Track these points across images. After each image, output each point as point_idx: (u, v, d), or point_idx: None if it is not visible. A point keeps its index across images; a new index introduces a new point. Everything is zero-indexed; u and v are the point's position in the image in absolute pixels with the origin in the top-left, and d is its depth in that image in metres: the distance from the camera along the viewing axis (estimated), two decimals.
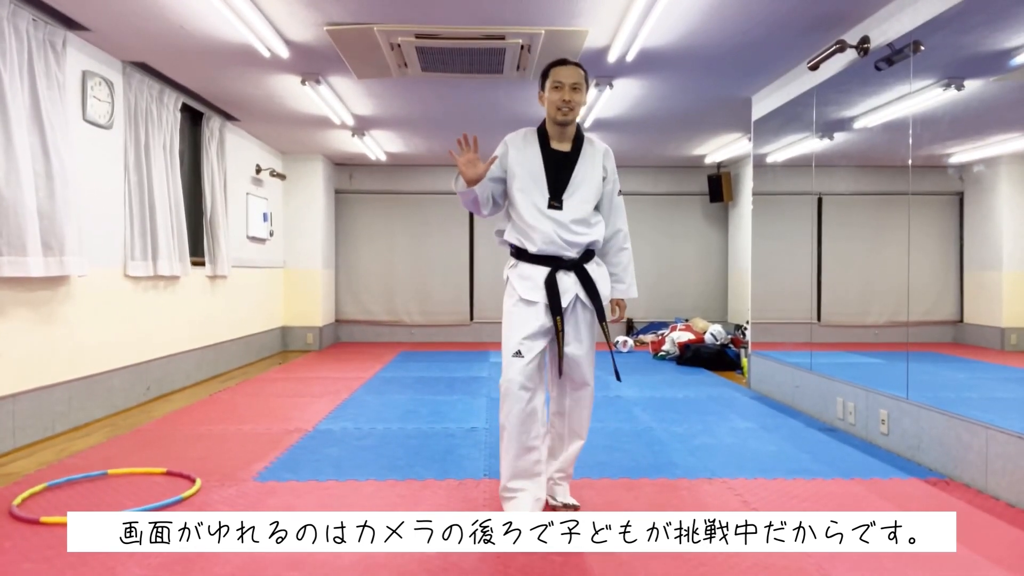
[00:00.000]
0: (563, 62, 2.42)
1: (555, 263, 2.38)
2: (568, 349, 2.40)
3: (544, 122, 2.49)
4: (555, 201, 2.38)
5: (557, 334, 2.35)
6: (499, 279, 9.05)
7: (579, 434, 2.51)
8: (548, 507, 2.47)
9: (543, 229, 2.36)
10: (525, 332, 2.34)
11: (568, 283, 2.38)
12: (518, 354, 2.34)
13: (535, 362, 2.34)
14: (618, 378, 2.55)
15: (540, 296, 2.36)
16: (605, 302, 2.47)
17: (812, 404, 4.15)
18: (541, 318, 2.35)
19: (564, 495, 2.52)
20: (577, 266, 2.41)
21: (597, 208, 2.48)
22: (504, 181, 2.46)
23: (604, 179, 2.47)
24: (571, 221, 2.37)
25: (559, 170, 2.41)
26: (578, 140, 2.47)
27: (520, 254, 2.44)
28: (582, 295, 2.40)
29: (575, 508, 2.48)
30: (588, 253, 2.44)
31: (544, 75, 2.44)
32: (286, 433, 3.66)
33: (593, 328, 2.46)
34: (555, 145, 2.45)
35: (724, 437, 3.61)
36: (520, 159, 2.43)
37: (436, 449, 3.33)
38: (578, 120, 2.50)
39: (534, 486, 2.35)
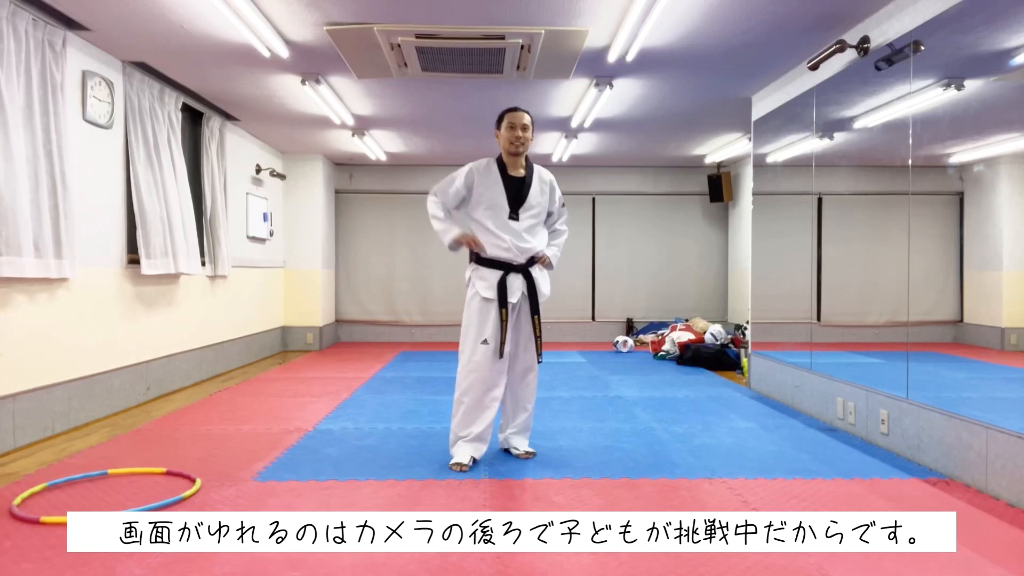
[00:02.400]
0: (515, 109, 3.09)
1: (506, 267, 3.04)
2: (511, 336, 3.06)
3: (500, 155, 3.13)
4: (514, 215, 3.06)
5: (502, 323, 2.99)
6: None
7: (526, 408, 3.19)
8: (512, 454, 3.20)
9: (503, 236, 3.03)
10: (488, 325, 3.01)
11: (516, 284, 3.05)
12: (484, 342, 3.01)
13: (495, 349, 3.01)
14: (539, 359, 3.16)
15: (494, 294, 3.00)
16: (543, 299, 3.12)
17: (812, 404, 4.15)
18: (497, 313, 3.01)
19: (523, 444, 3.21)
20: (524, 270, 3.07)
21: (545, 223, 3.20)
22: (467, 199, 3.14)
23: (552, 202, 3.20)
24: (524, 230, 3.06)
25: (517, 191, 3.07)
26: (528, 168, 3.13)
27: (479, 259, 3.09)
28: (527, 293, 3.07)
29: (532, 455, 3.19)
30: (532, 260, 3.10)
31: (500, 118, 3.10)
32: (286, 433, 3.66)
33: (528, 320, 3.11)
34: (511, 172, 3.10)
35: (724, 437, 3.61)
36: (486, 183, 3.08)
37: (436, 449, 3.33)
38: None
39: (475, 446, 3.06)
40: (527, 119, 3.05)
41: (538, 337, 3.11)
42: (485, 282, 3.03)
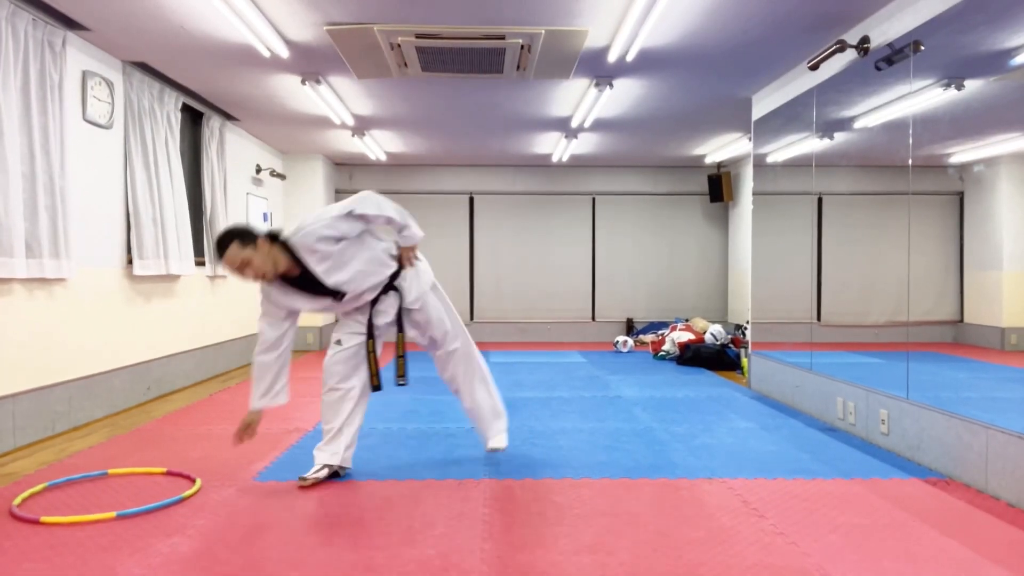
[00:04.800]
0: (222, 250, 2.52)
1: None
2: (417, 334, 2.99)
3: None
4: (333, 298, 2.72)
5: (369, 355, 2.88)
6: (499, 279, 9.03)
7: (466, 396, 3.06)
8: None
9: (348, 308, 2.82)
10: (346, 324, 2.91)
11: (387, 304, 2.87)
12: (338, 342, 2.88)
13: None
14: (399, 381, 2.97)
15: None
16: (415, 305, 2.93)
17: (812, 404, 4.15)
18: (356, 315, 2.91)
19: (494, 439, 3.07)
20: (389, 287, 2.85)
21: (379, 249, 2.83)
22: (290, 312, 2.77)
23: (342, 237, 2.65)
24: (356, 293, 2.75)
25: (309, 284, 2.67)
26: (296, 260, 2.62)
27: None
28: (387, 317, 2.89)
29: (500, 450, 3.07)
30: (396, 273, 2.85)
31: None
32: (286, 433, 3.66)
33: (427, 311, 2.95)
34: (288, 275, 2.65)
35: (724, 437, 3.61)
36: (281, 293, 2.70)
37: (436, 449, 3.33)
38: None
39: (328, 449, 2.85)
40: (234, 263, 2.50)
41: (400, 357, 2.92)
42: (356, 315, 2.89)
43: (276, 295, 2.70)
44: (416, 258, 2.95)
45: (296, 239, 2.60)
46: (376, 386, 2.87)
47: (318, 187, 7.68)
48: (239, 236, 2.52)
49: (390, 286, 2.86)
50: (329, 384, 2.86)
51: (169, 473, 2.91)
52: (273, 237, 2.60)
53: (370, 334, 2.86)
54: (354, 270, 2.71)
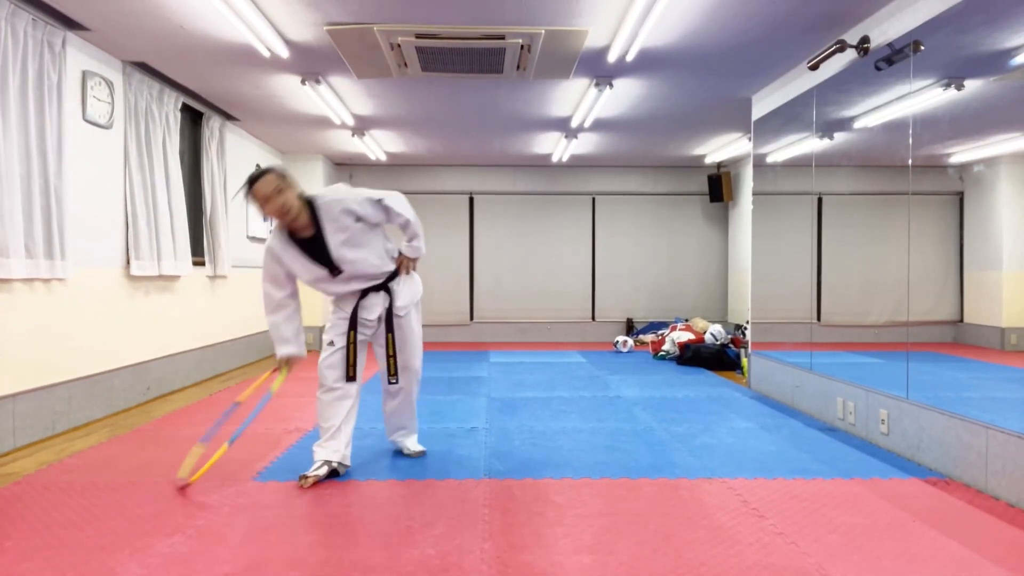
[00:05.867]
0: (255, 179, 2.63)
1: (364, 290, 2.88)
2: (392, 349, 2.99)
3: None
4: (332, 272, 2.76)
5: (349, 347, 2.88)
6: (499, 280, 9.00)
7: (398, 402, 3.14)
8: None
9: (338, 290, 2.86)
10: (340, 328, 2.92)
11: (375, 300, 2.91)
12: (331, 343, 2.90)
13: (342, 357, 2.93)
14: (390, 379, 3.03)
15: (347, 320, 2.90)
16: (402, 312, 2.97)
17: (812, 404, 4.15)
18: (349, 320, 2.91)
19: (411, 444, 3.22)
20: (383, 287, 2.92)
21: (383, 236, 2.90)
22: (289, 275, 2.80)
23: (362, 218, 2.75)
24: (353, 274, 2.80)
25: (317, 251, 2.73)
26: (316, 218, 2.70)
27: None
28: (385, 309, 2.93)
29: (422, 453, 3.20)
30: (393, 274, 2.93)
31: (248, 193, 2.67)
32: (286, 433, 3.66)
33: (405, 327, 2.99)
34: (301, 236, 2.73)
35: (724, 437, 3.61)
36: (288, 256, 2.75)
37: (436, 449, 3.33)
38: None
39: (329, 447, 2.89)
40: (267, 187, 2.59)
41: (391, 356, 2.96)
42: (341, 312, 2.91)
43: (279, 251, 2.74)
44: (414, 268, 3.05)
45: (322, 202, 2.70)
46: (351, 377, 2.89)
47: (318, 187, 7.63)
48: (277, 171, 2.66)
49: (383, 286, 2.93)
50: (327, 384, 2.89)
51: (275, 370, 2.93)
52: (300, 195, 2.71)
53: (352, 325, 2.88)
54: (361, 253, 2.79)
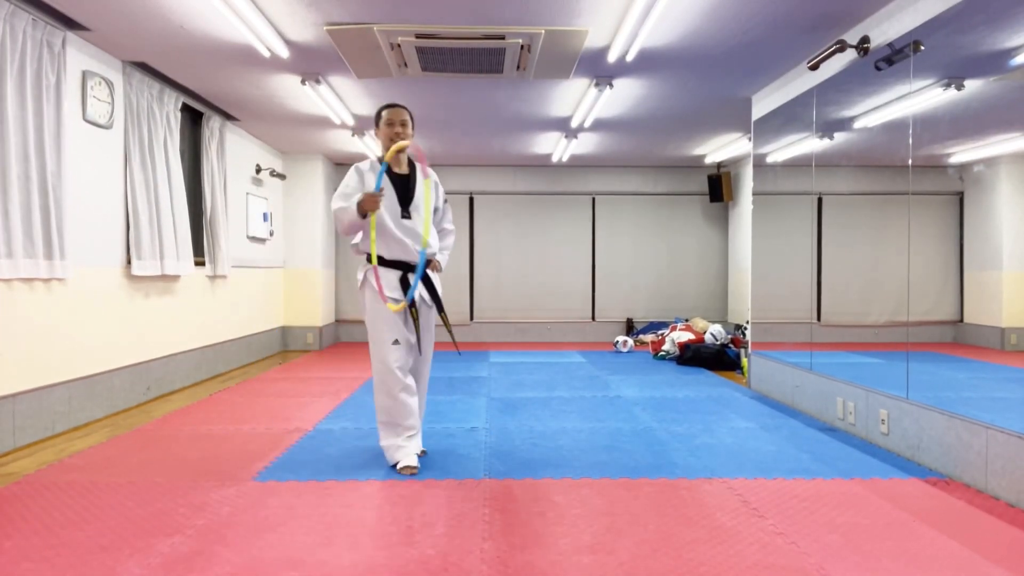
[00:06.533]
0: (394, 105, 3.06)
1: (405, 267, 3.02)
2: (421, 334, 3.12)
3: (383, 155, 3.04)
4: (405, 213, 3.01)
5: (415, 322, 3.04)
6: (499, 279, 8.99)
7: (423, 396, 3.28)
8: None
9: (398, 234, 2.98)
10: (397, 325, 2.98)
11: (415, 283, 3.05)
12: (396, 342, 2.99)
13: (406, 347, 3.03)
14: (458, 350, 3.32)
15: (400, 293, 2.99)
16: (439, 288, 3.15)
17: (812, 404, 4.15)
18: (403, 313, 3.02)
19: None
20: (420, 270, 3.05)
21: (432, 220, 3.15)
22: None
23: (437, 197, 3.16)
24: (417, 228, 3.02)
25: (404, 188, 3.04)
26: (412, 165, 3.13)
27: (380, 260, 3.01)
28: (425, 295, 3.09)
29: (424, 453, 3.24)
30: (428, 262, 3.09)
31: (378, 115, 3.07)
32: (286, 433, 3.66)
33: (432, 318, 3.18)
34: (396, 169, 3.06)
35: (724, 437, 3.61)
36: (370, 178, 3.01)
37: (436, 449, 3.33)
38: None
39: (416, 440, 3.07)
40: (406, 115, 3.03)
41: (449, 330, 3.33)
42: (386, 281, 3.00)
43: (367, 170, 3.02)
44: (439, 270, 3.22)
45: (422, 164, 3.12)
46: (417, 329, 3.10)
47: (318, 187, 7.68)
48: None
49: (424, 272, 3.08)
50: (402, 383, 2.99)
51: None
52: None
53: (411, 301, 3.05)
54: (425, 216, 3.06)
